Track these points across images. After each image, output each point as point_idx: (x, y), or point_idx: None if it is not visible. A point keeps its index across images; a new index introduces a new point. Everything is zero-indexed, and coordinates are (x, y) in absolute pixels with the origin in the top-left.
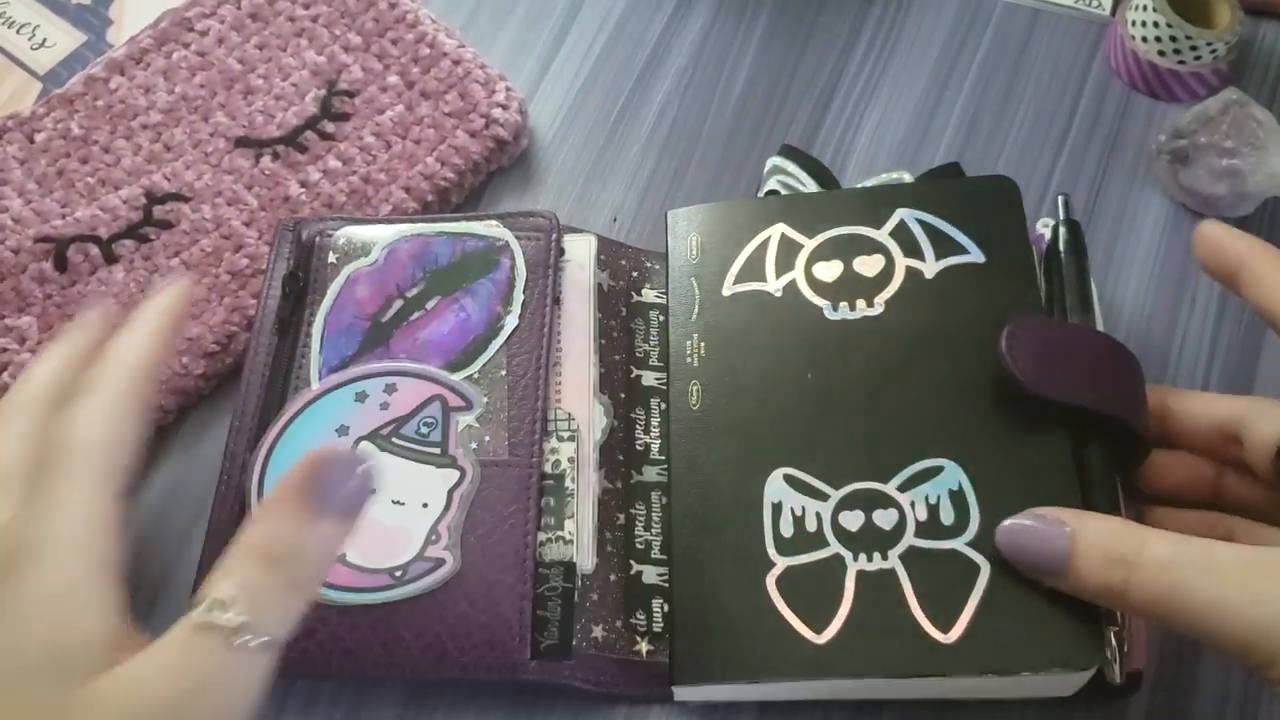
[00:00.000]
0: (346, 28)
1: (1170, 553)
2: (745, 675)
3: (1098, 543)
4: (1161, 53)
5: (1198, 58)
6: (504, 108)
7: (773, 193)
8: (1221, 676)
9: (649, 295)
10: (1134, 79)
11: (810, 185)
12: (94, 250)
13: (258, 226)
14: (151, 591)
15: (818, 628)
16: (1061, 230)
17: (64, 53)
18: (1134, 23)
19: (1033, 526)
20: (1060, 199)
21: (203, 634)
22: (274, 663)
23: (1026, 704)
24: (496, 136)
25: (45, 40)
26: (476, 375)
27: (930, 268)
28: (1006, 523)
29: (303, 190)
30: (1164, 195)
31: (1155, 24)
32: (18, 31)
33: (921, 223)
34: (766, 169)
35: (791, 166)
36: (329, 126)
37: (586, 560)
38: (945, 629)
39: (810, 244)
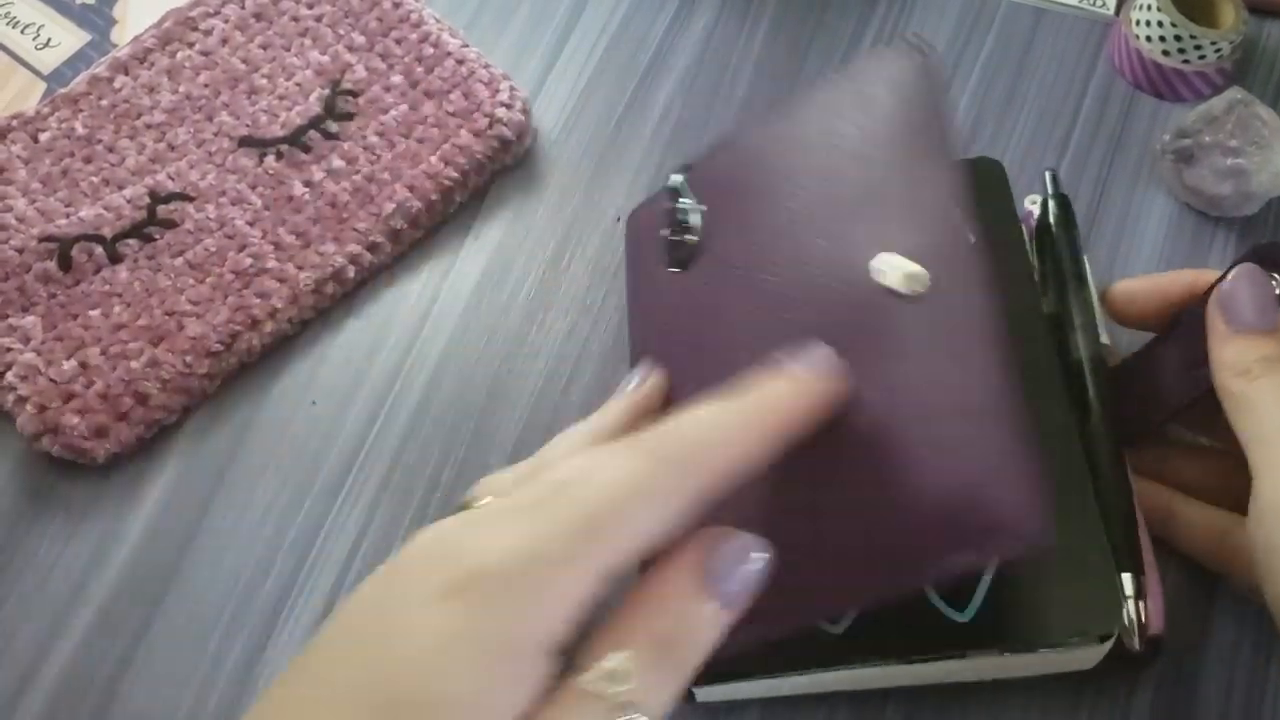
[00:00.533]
0: (350, 27)
1: None
2: (767, 670)
3: (1269, 339)
4: (1166, 52)
5: (1202, 57)
6: (508, 107)
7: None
8: (1230, 647)
9: None
10: (1138, 79)
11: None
12: (98, 250)
13: (261, 226)
14: (159, 587)
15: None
16: (1051, 205)
17: (68, 52)
18: (1138, 22)
19: (1261, 285)
20: (1047, 174)
21: (588, 701)
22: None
23: (1044, 681)
24: (500, 136)
25: (50, 40)
26: None
27: None
28: (1236, 274)
29: (306, 190)
30: (1168, 195)
31: (1159, 23)
32: (22, 31)
33: None
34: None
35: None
36: (333, 126)
37: None
38: (961, 608)
39: None
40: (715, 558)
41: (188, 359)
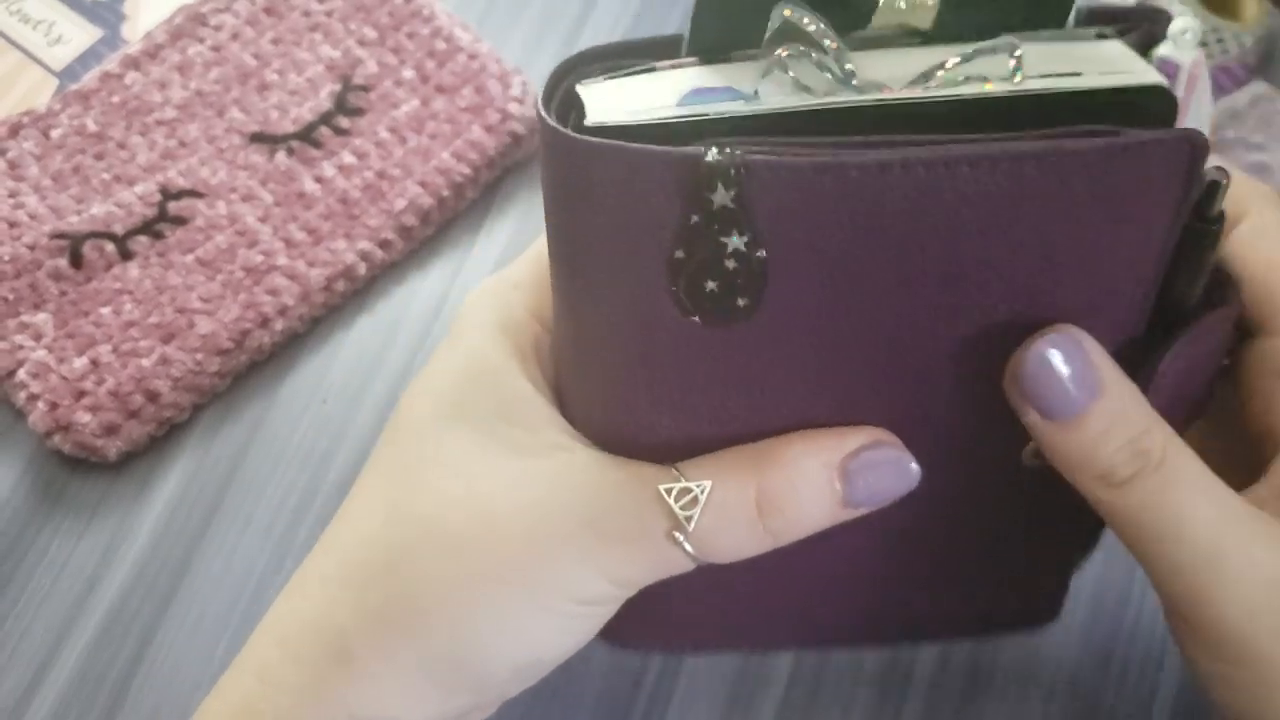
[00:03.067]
0: (361, 22)
1: (1197, 472)
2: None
3: (1126, 416)
4: None
5: (1225, 51)
6: (520, 102)
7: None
8: None
9: None
10: (1160, 72)
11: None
12: (109, 247)
13: (272, 223)
14: (170, 585)
15: None
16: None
17: (80, 49)
18: None
19: (1070, 353)
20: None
21: (657, 504)
22: (679, 571)
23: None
24: (512, 131)
25: (61, 36)
26: None
27: None
28: (1041, 342)
29: (317, 186)
30: None
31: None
32: (34, 28)
33: None
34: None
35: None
36: (344, 122)
37: None
38: None
39: None
40: (865, 460)
41: (198, 357)
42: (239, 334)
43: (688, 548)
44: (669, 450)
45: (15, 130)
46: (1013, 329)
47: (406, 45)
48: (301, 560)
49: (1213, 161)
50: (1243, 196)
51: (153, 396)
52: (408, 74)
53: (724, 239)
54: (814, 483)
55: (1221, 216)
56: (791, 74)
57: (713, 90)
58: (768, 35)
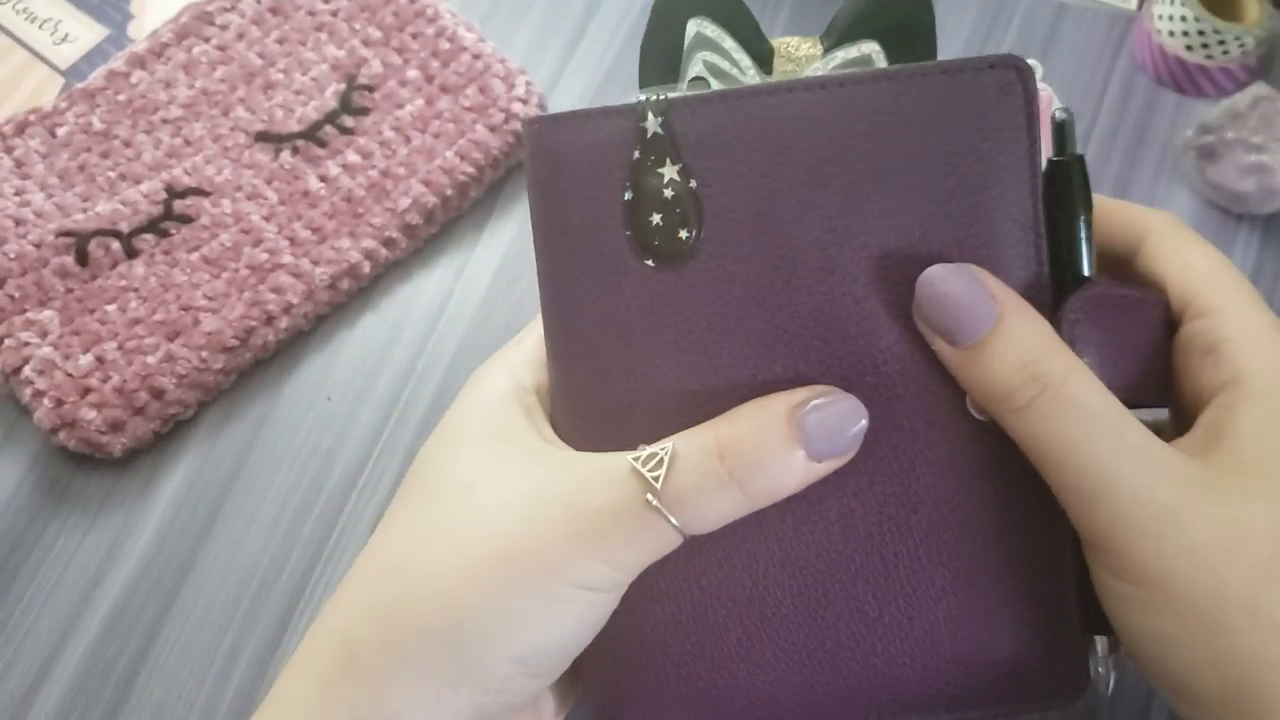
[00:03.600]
0: (366, 22)
1: (1097, 405)
2: None
3: (1023, 341)
4: (1189, 47)
5: (1225, 52)
6: (524, 102)
7: (699, 80)
8: None
9: None
10: (1160, 74)
11: (747, 66)
12: (115, 245)
13: (277, 221)
14: (175, 581)
15: None
16: (1072, 169)
17: (86, 47)
18: (1161, 17)
19: (966, 280)
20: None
21: (630, 477)
22: (666, 553)
23: None
24: (516, 131)
25: (68, 35)
26: None
27: None
28: (940, 266)
29: (322, 185)
30: (1191, 191)
31: (1183, 18)
32: (40, 26)
33: None
34: (688, 39)
35: (724, 39)
36: (348, 121)
37: None
38: None
39: None
40: (820, 413)
41: (203, 354)
42: (244, 332)
43: (665, 512)
44: (645, 431)
45: (22, 128)
46: (919, 265)
47: (411, 45)
48: (305, 555)
49: (1217, 163)
50: (1137, 218)
51: (158, 393)
52: (412, 73)
53: (660, 170)
54: (770, 430)
55: (1081, 160)
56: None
57: None
58: (688, 59)
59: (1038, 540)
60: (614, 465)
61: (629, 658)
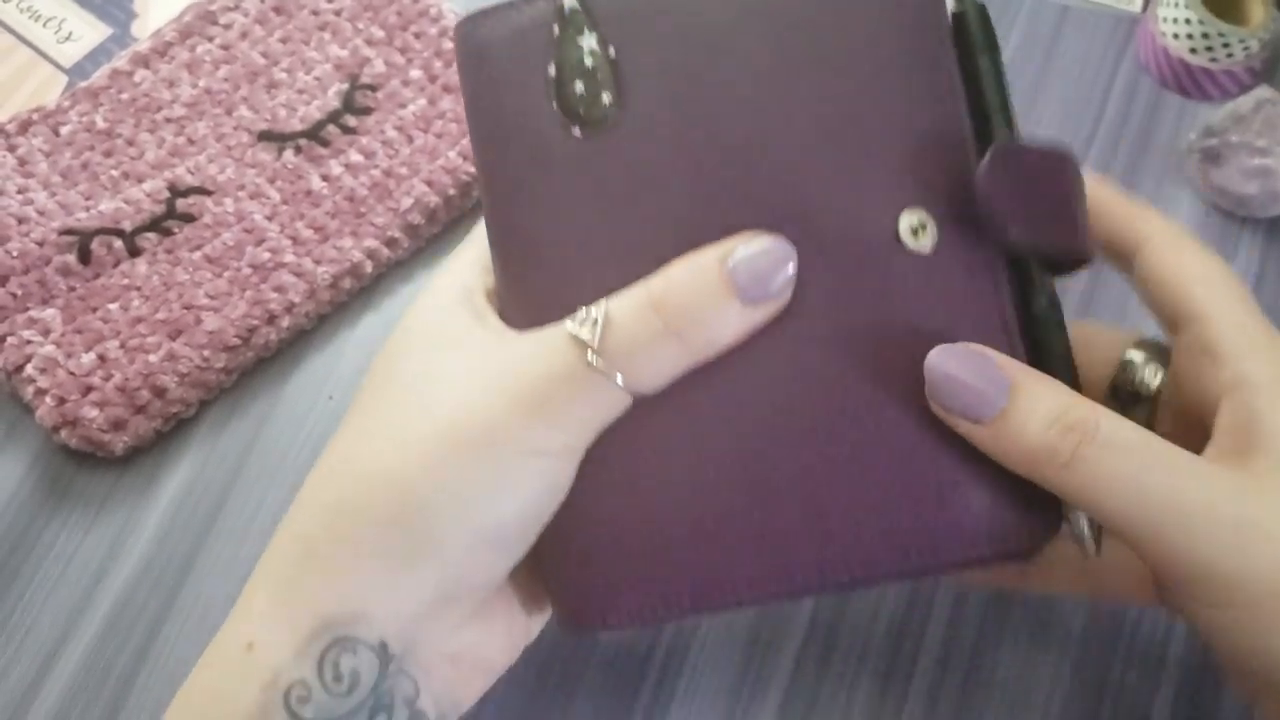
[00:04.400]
0: (369, 21)
1: (1138, 438)
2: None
3: (1046, 399)
4: (1193, 50)
5: (1230, 55)
6: None
7: None
8: None
9: None
10: (1164, 76)
11: None
12: (117, 243)
13: (279, 220)
14: (176, 579)
15: None
16: (970, 16)
17: (89, 46)
18: (1165, 19)
19: (968, 359)
20: None
21: (568, 342)
22: (616, 413)
23: (1067, 687)
24: None
25: (71, 34)
26: None
27: None
28: (940, 349)
29: (324, 184)
30: (1194, 194)
31: (1187, 20)
32: (44, 25)
33: None
34: None
35: None
36: (351, 120)
37: None
38: None
39: None
40: (749, 259)
41: (205, 353)
42: (246, 331)
43: (605, 369)
44: (585, 301)
45: (25, 127)
46: (839, 111)
47: (414, 45)
48: None
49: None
50: (1139, 223)
51: (159, 392)
52: (415, 73)
53: (579, 40)
54: (701, 279)
55: (980, 7)
56: None
57: None
58: None
59: None
60: (552, 334)
61: (583, 528)
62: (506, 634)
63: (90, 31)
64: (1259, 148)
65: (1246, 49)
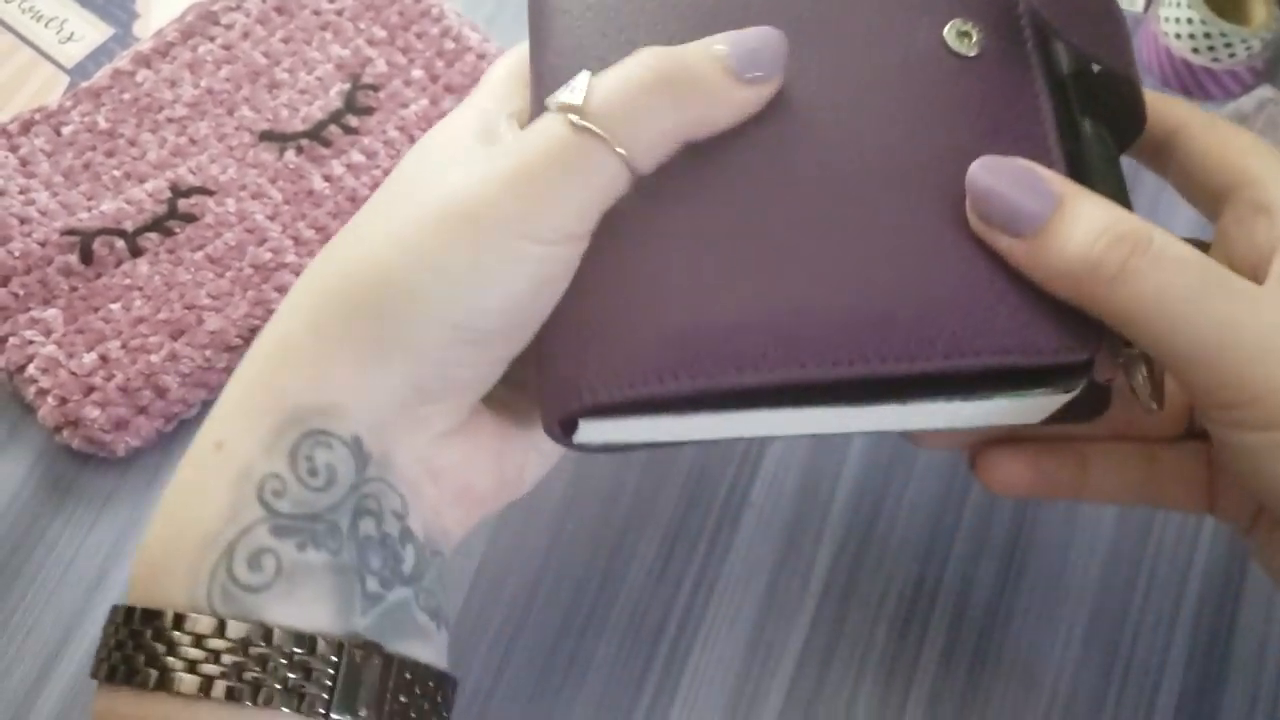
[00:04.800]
0: (371, 21)
1: (1194, 255)
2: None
3: (1094, 213)
4: (1195, 50)
5: (1232, 55)
6: None
7: None
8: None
9: None
10: (1167, 77)
11: None
12: (119, 243)
13: (281, 220)
14: None
15: None
16: None
17: (91, 46)
18: (1167, 19)
19: (1013, 169)
20: None
21: (555, 113)
22: (612, 196)
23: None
24: None
25: (73, 34)
26: None
27: None
28: (982, 160)
29: (326, 184)
30: None
31: (1189, 20)
32: (45, 25)
33: None
34: None
35: None
36: (353, 120)
37: None
38: None
39: None
40: (730, 38)
41: (207, 353)
42: (247, 331)
43: (594, 128)
44: None
45: (27, 127)
46: None
47: (416, 45)
48: None
49: None
50: (1169, 110)
51: (161, 392)
52: (417, 73)
53: None
54: (692, 50)
55: None
56: None
57: None
58: None
59: None
60: (543, 116)
61: (572, 324)
62: (494, 463)
63: (92, 31)
64: None
65: (1249, 49)
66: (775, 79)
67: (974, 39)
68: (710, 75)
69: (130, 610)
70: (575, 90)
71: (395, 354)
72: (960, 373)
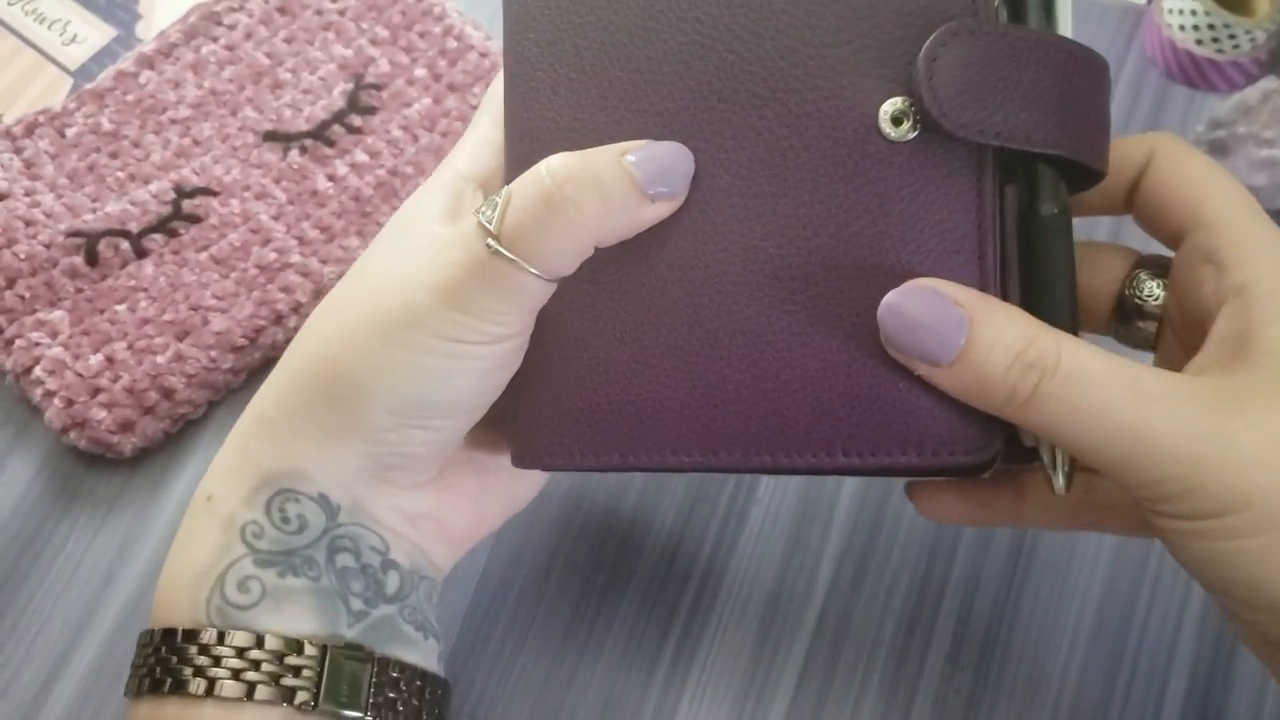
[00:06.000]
0: (374, 21)
1: (1101, 368)
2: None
3: (1005, 335)
4: (1199, 41)
5: (1236, 46)
6: None
7: None
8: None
9: None
10: (1171, 68)
11: None
12: (124, 245)
13: (285, 220)
14: None
15: None
16: None
17: (94, 48)
18: (1171, 11)
19: (922, 298)
20: None
21: (475, 228)
22: (536, 300)
23: (1074, 686)
24: None
25: (76, 36)
26: None
27: None
28: (890, 296)
29: (330, 184)
30: None
31: (1193, 12)
32: (49, 27)
33: None
34: None
35: None
36: (356, 120)
37: None
38: None
39: None
40: (640, 153)
41: (213, 354)
42: (253, 331)
43: (506, 253)
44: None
45: (31, 129)
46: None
47: (418, 44)
48: None
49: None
50: (1136, 145)
51: (167, 393)
52: (420, 72)
53: None
54: (601, 159)
55: None
56: None
57: None
58: None
59: (947, 278)
60: (466, 224)
61: (530, 385)
62: (473, 504)
63: (95, 33)
64: (1266, 139)
65: (1253, 40)
66: (679, 197)
67: (909, 121)
68: (618, 191)
69: (151, 633)
70: (492, 209)
71: (350, 435)
72: (861, 467)
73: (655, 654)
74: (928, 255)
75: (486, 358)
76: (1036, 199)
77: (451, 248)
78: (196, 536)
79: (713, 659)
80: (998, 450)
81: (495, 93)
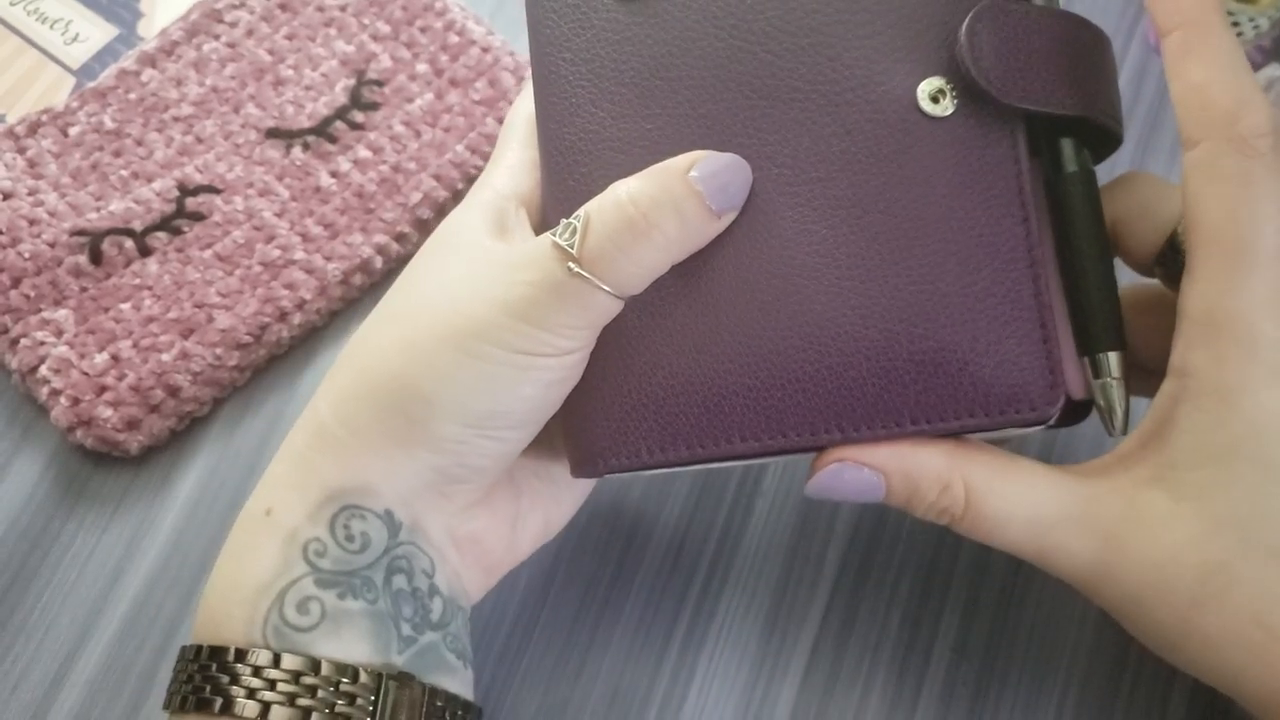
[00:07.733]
0: (375, 17)
1: (1002, 508)
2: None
3: (919, 491)
4: None
5: (1240, 34)
6: None
7: None
8: None
9: None
10: None
11: None
12: (128, 243)
13: (288, 217)
14: (193, 577)
15: None
16: None
17: (96, 47)
18: None
19: (841, 476)
20: None
21: (552, 251)
22: (607, 317)
23: (1082, 668)
24: None
25: (78, 35)
26: None
27: None
28: (812, 479)
29: (333, 180)
30: None
31: None
32: (51, 27)
33: None
34: None
35: None
36: (359, 116)
37: None
38: None
39: None
40: (717, 168)
41: (218, 351)
42: (257, 328)
43: (587, 275)
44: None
45: (34, 128)
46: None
47: (420, 39)
48: None
49: None
50: (1196, 125)
51: (173, 391)
52: (421, 68)
53: None
54: (675, 182)
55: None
56: None
57: None
58: None
59: (997, 240)
60: (539, 245)
61: (590, 398)
62: (509, 532)
63: (97, 32)
64: None
65: (1256, 28)
66: (739, 208)
67: (947, 98)
68: (692, 212)
69: (199, 648)
70: (571, 234)
71: (418, 447)
72: (928, 433)
73: (663, 645)
74: (977, 218)
75: (554, 369)
76: (1061, 161)
77: (524, 267)
78: (252, 550)
79: (720, 649)
80: (1060, 405)
81: (519, 115)
